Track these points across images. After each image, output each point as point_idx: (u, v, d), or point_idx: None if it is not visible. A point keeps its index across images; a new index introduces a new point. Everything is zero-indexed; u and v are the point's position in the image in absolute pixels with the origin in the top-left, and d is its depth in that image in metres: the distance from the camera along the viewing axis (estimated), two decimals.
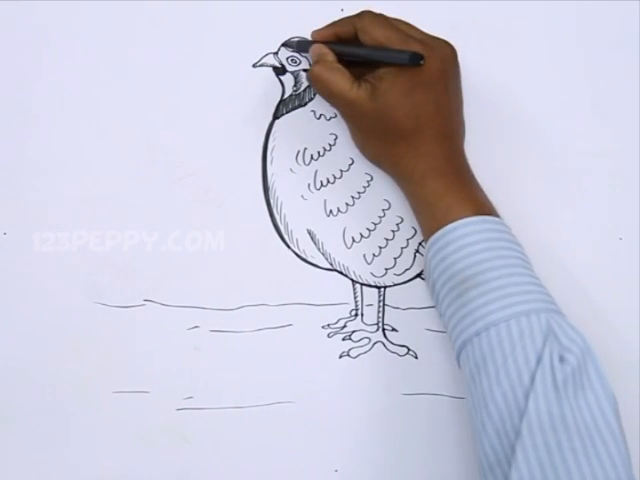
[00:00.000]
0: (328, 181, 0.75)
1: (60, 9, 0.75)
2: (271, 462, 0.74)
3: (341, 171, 0.75)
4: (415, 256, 0.75)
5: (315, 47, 0.72)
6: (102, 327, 0.74)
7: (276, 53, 0.75)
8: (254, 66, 0.75)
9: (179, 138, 0.75)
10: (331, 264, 0.75)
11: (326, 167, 0.75)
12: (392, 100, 0.68)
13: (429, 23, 0.74)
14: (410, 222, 0.75)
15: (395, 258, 0.75)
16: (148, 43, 0.75)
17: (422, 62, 0.67)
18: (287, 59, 0.75)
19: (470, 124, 0.73)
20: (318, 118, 0.75)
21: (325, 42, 0.72)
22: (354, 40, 0.71)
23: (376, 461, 0.74)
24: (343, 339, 0.75)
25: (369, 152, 0.73)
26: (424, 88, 0.68)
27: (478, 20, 0.75)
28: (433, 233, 0.67)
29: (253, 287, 0.75)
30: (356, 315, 0.75)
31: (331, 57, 0.71)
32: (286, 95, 0.75)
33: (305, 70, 0.75)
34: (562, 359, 0.61)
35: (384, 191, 0.75)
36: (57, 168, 0.75)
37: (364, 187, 0.75)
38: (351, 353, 0.75)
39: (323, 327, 0.75)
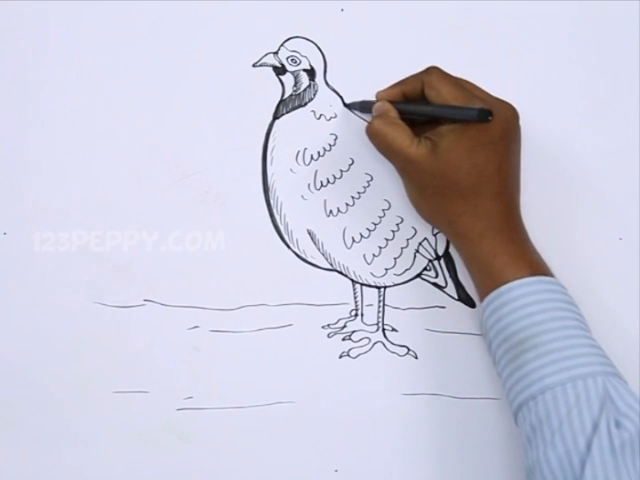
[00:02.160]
0: (328, 181, 0.75)
1: (60, 9, 0.75)
2: (271, 462, 0.74)
3: (341, 171, 0.75)
4: (415, 256, 0.75)
5: (378, 104, 0.72)
6: (102, 327, 0.74)
7: (276, 53, 0.75)
8: (254, 66, 0.75)
9: (179, 138, 0.75)
10: (331, 264, 0.75)
11: (326, 167, 0.75)
12: (454, 158, 0.67)
13: (429, 23, 0.74)
14: (410, 222, 0.75)
15: (395, 258, 0.75)
16: (148, 43, 0.75)
17: (490, 118, 0.67)
18: (287, 59, 0.75)
19: None
20: (318, 118, 0.75)
21: (390, 101, 0.72)
22: (420, 97, 0.71)
23: (376, 461, 0.74)
24: (343, 339, 0.75)
25: (424, 209, 0.72)
26: (486, 147, 0.67)
27: (478, 20, 0.75)
28: (488, 292, 0.67)
29: (253, 287, 0.75)
30: (356, 315, 0.75)
31: (393, 113, 0.71)
32: (286, 95, 0.75)
33: (305, 70, 0.75)
34: (618, 424, 0.61)
35: (384, 191, 0.75)
36: (57, 168, 0.75)
37: (364, 187, 0.75)
38: (351, 353, 0.75)
39: (323, 327, 0.75)
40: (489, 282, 0.67)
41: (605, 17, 0.76)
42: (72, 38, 0.75)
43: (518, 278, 0.66)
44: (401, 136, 0.69)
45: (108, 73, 0.75)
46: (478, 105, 0.67)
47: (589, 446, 0.60)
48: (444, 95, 0.69)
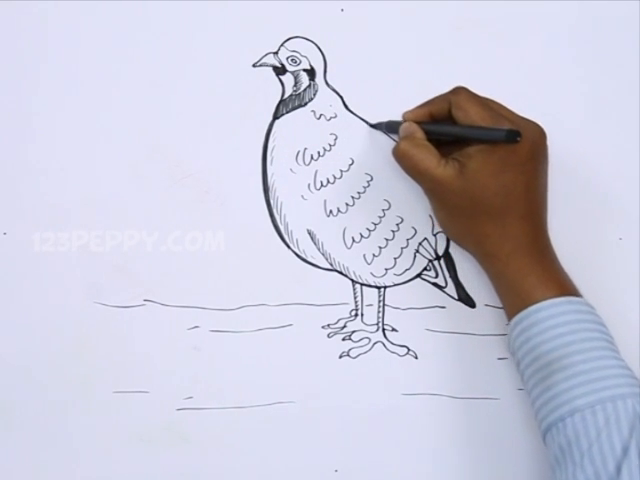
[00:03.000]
0: (328, 181, 0.75)
1: (60, 9, 0.74)
2: (271, 462, 0.74)
3: (341, 171, 0.75)
4: (415, 256, 0.75)
5: (405, 125, 0.72)
6: (102, 327, 0.74)
7: (276, 53, 0.75)
8: (254, 66, 0.75)
9: (179, 138, 0.75)
10: (331, 264, 0.75)
11: (326, 167, 0.75)
12: (482, 179, 0.67)
13: (429, 23, 0.74)
14: (410, 222, 0.75)
15: (395, 258, 0.75)
16: (148, 43, 0.75)
17: (519, 139, 0.66)
18: (287, 59, 0.75)
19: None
20: (318, 118, 0.75)
21: (417, 122, 0.72)
22: (448, 117, 0.71)
23: (376, 461, 0.75)
24: (343, 339, 0.75)
25: (452, 230, 0.72)
26: (514, 168, 0.67)
27: (478, 20, 0.75)
28: (517, 312, 0.67)
29: (253, 287, 0.75)
30: (356, 315, 0.75)
31: (420, 134, 0.70)
32: (286, 95, 0.75)
33: (305, 70, 0.75)
34: None
35: (384, 191, 0.75)
36: (57, 168, 0.74)
37: (364, 187, 0.75)
38: (351, 353, 0.75)
39: (323, 327, 0.75)
40: (518, 302, 0.67)
41: (605, 17, 0.76)
42: (72, 38, 0.75)
43: (547, 298, 0.66)
44: (428, 157, 0.69)
45: (108, 73, 0.75)
46: (506, 125, 0.67)
47: (619, 469, 0.60)
48: (472, 115, 0.69)
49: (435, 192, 0.70)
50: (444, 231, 0.73)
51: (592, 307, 0.68)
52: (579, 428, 0.63)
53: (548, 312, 0.66)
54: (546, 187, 0.71)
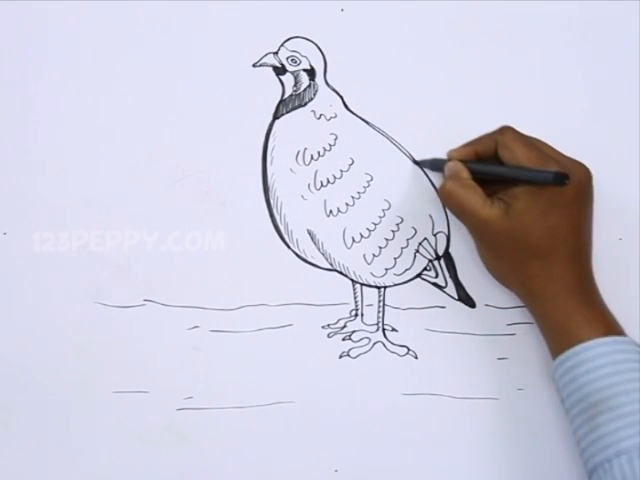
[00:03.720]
0: (328, 181, 0.75)
1: (60, 9, 0.75)
2: (271, 462, 0.74)
3: (341, 171, 0.75)
4: (415, 256, 0.75)
5: (450, 164, 0.71)
6: (102, 327, 0.74)
7: (276, 53, 0.75)
8: (254, 66, 0.75)
9: (179, 138, 0.75)
10: (331, 264, 0.75)
11: (326, 167, 0.75)
12: (528, 220, 0.67)
13: (429, 23, 0.74)
14: (410, 222, 0.75)
15: (395, 258, 0.75)
16: (148, 43, 0.75)
17: (566, 182, 0.67)
18: (287, 59, 0.75)
19: (468, 120, 0.74)
20: (318, 118, 0.75)
21: (462, 160, 0.72)
22: (493, 156, 0.71)
23: (376, 461, 0.75)
24: (343, 339, 0.75)
25: (497, 270, 0.72)
26: (561, 209, 0.68)
27: (478, 20, 0.75)
28: (562, 351, 0.67)
29: (253, 287, 0.75)
30: (356, 315, 0.75)
31: (465, 174, 0.70)
32: (286, 95, 0.75)
33: (305, 70, 0.75)
34: None
35: (384, 191, 0.75)
36: (57, 168, 0.74)
37: (364, 187, 0.75)
38: (351, 353, 0.75)
39: (323, 327, 0.75)
40: (563, 341, 0.67)
41: (605, 17, 0.76)
42: (72, 38, 0.75)
43: (593, 338, 0.66)
44: (474, 198, 0.69)
45: (108, 73, 0.75)
46: (553, 167, 0.67)
47: None
48: (518, 156, 0.69)
49: (480, 232, 0.70)
50: (488, 270, 0.73)
51: (638, 346, 0.68)
52: (626, 470, 0.63)
53: (595, 352, 0.66)
54: (591, 227, 0.71)
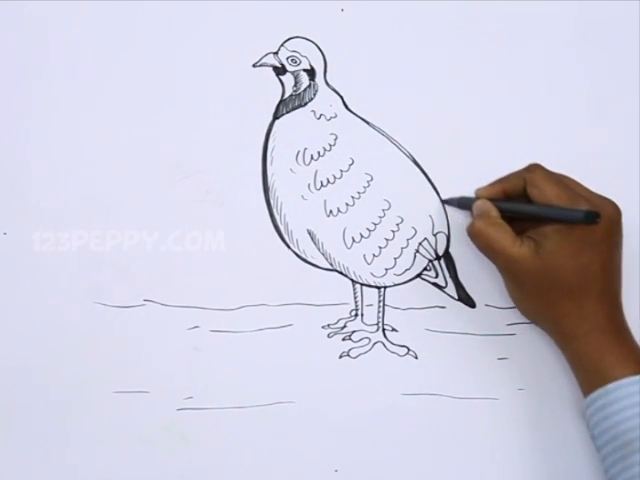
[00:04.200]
0: (328, 181, 0.75)
1: (60, 9, 0.75)
2: (271, 462, 0.74)
3: (341, 171, 0.75)
4: (415, 256, 0.75)
5: (479, 203, 0.71)
6: (102, 327, 0.74)
7: (276, 53, 0.75)
8: (254, 66, 0.75)
9: (179, 138, 0.75)
10: (331, 264, 0.75)
11: (326, 167, 0.75)
12: (559, 259, 0.67)
13: (429, 23, 0.74)
14: (410, 222, 0.75)
15: (395, 258, 0.75)
16: (148, 43, 0.75)
17: (598, 220, 0.67)
18: (287, 59, 0.75)
19: (468, 120, 0.74)
20: (318, 118, 0.75)
21: (490, 198, 0.72)
22: (521, 194, 0.71)
23: (376, 461, 0.75)
24: (343, 339, 0.75)
25: (527, 308, 0.72)
26: (592, 248, 0.68)
27: (478, 20, 0.75)
28: (594, 389, 0.67)
29: (253, 287, 0.75)
30: (356, 315, 0.75)
31: (494, 212, 0.70)
32: (286, 95, 0.75)
33: (305, 70, 0.75)
34: None
35: (384, 191, 0.75)
36: (57, 168, 0.74)
37: (364, 187, 0.75)
38: (351, 353, 0.75)
39: (323, 327, 0.75)
40: (595, 380, 0.67)
41: (605, 17, 0.76)
42: (71, 38, 0.75)
43: (625, 376, 0.66)
44: (504, 237, 0.69)
45: (108, 73, 0.75)
46: (583, 205, 0.67)
47: None
48: (548, 194, 0.69)
49: (510, 271, 0.70)
50: (518, 309, 0.73)
51: None
52: None
53: (627, 390, 0.66)
54: (621, 264, 0.71)
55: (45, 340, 0.74)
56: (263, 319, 0.74)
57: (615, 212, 0.70)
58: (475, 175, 0.74)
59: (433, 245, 0.75)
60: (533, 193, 0.70)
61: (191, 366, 0.74)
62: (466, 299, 0.75)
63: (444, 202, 0.75)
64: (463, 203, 0.74)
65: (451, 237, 0.75)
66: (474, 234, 0.71)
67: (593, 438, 0.68)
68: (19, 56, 0.75)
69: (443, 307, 0.75)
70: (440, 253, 0.75)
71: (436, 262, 0.75)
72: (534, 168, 0.71)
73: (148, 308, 0.74)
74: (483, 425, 0.75)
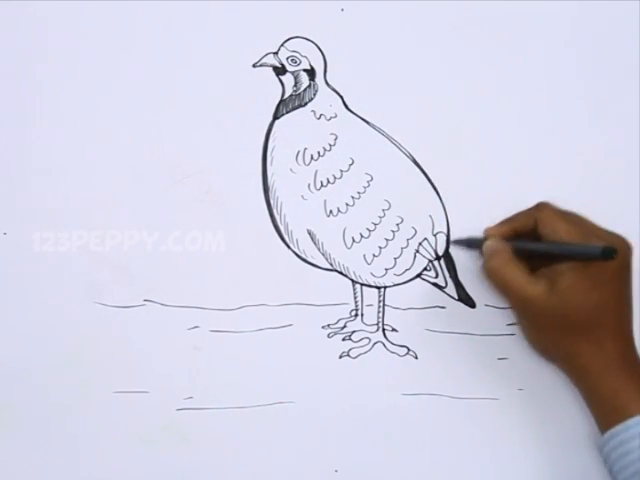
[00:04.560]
0: (328, 181, 0.75)
1: (60, 9, 0.75)
2: (271, 462, 0.74)
3: (341, 171, 0.75)
4: (415, 256, 0.75)
5: (492, 241, 0.71)
6: (102, 327, 0.74)
7: (276, 53, 0.75)
8: (254, 66, 0.75)
9: (179, 138, 0.75)
10: (331, 264, 0.75)
11: (326, 167, 0.75)
12: (574, 297, 0.67)
13: (429, 23, 0.74)
14: (410, 222, 0.75)
15: (395, 258, 0.75)
16: (148, 43, 0.75)
17: (615, 256, 0.67)
18: (287, 59, 0.75)
19: (468, 120, 0.74)
20: (318, 118, 0.75)
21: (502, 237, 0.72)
22: (531, 233, 0.71)
23: (376, 461, 0.75)
24: (343, 339, 0.75)
25: (541, 346, 0.72)
26: (606, 285, 0.68)
27: (478, 20, 0.75)
28: (611, 426, 0.67)
29: (253, 287, 0.75)
30: (356, 315, 0.75)
31: (508, 250, 0.70)
32: (286, 95, 0.75)
33: (305, 70, 0.75)
34: None
35: (384, 191, 0.75)
36: (57, 168, 0.74)
37: (364, 187, 0.75)
38: (351, 353, 0.75)
39: (323, 327, 0.75)
40: (613, 416, 0.68)
41: (605, 17, 0.76)
42: (72, 38, 0.75)
43: None
44: (518, 275, 0.69)
45: (108, 73, 0.75)
46: (595, 241, 0.68)
47: None
48: (560, 232, 0.69)
49: (525, 310, 0.70)
50: (532, 346, 0.73)
51: None
52: None
53: None
54: (632, 299, 0.71)
55: (45, 340, 0.74)
56: (263, 319, 0.74)
57: (627, 248, 0.70)
58: (475, 175, 0.74)
59: (433, 245, 0.75)
60: (544, 231, 0.70)
61: (191, 366, 0.74)
62: (466, 299, 0.75)
63: (453, 242, 0.75)
64: (472, 243, 0.74)
65: (451, 237, 0.75)
66: (490, 273, 0.71)
67: (612, 473, 0.68)
68: (19, 56, 0.75)
69: (443, 307, 0.75)
70: (440, 253, 0.75)
71: (436, 262, 0.75)
72: (543, 207, 0.71)
73: (148, 308, 0.74)
74: (483, 425, 0.75)
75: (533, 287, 0.68)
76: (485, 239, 0.72)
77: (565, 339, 0.69)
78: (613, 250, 0.67)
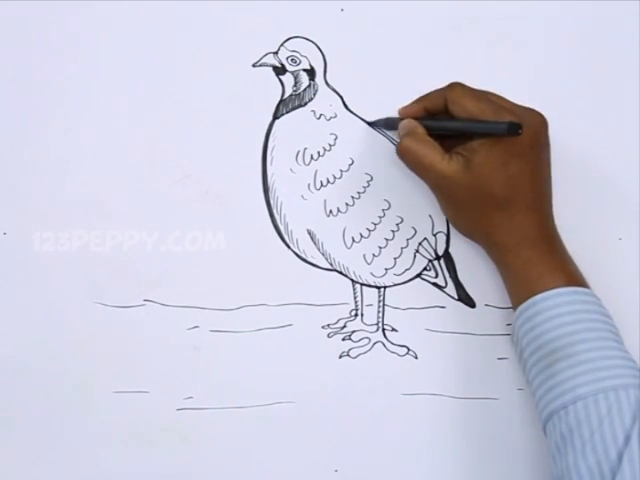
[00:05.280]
0: (328, 181, 0.75)
1: (59, 9, 0.75)
2: (271, 462, 0.74)
3: (341, 171, 0.75)
4: (415, 256, 0.75)
5: (405, 122, 0.72)
6: (102, 327, 0.74)
7: (276, 53, 0.75)
8: (254, 66, 0.75)
9: (179, 138, 0.75)
10: (331, 264, 0.75)
11: (326, 167, 0.75)
12: (487, 172, 0.68)
13: (429, 23, 0.74)
14: (410, 222, 0.75)
15: (395, 258, 0.75)
16: (148, 43, 0.75)
17: (520, 132, 0.67)
18: (287, 59, 0.75)
19: None
20: (318, 118, 0.75)
21: (414, 118, 0.72)
22: (443, 113, 0.71)
23: (376, 461, 0.75)
24: (343, 339, 0.75)
25: (460, 223, 0.72)
26: (519, 159, 0.68)
27: (478, 20, 0.75)
28: (522, 301, 0.68)
29: (253, 287, 0.75)
30: (356, 315, 0.75)
31: (421, 130, 0.70)
32: (286, 95, 0.75)
33: (305, 70, 0.75)
34: None
35: (384, 191, 0.75)
36: (57, 168, 0.75)
37: (364, 187, 0.75)
38: (351, 353, 0.75)
39: (323, 327, 0.75)
40: (524, 291, 0.68)
41: (605, 17, 0.76)
42: (72, 38, 0.75)
43: (553, 288, 0.66)
44: (432, 153, 0.69)
45: (108, 73, 0.75)
46: (506, 117, 0.67)
47: (620, 457, 0.60)
48: (470, 110, 0.69)
49: (441, 187, 0.70)
50: (453, 225, 0.73)
51: (598, 299, 0.68)
52: (581, 416, 0.63)
53: (554, 301, 0.66)
54: (550, 176, 0.71)
55: (45, 340, 0.74)
56: (263, 319, 0.74)
57: (540, 122, 0.70)
58: None
59: (433, 245, 0.75)
60: (455, 110, 0.70)
61: (191, 366, 0.74)
62: (466, 299, 0.75)
63: (369, 124, 0.75)
64: (389, 124, 0.74)
65: (451, 237, 0.75)
66: (402, 152, 0.70)
67: (521, 351, 0.68)
68: (19, 56, 0.75)
69: (443, 307, 0.75)
70: (440, 253, 0.76)
71: (436, 262, 0.75)
72: (454, 86, 0.71)
73: (148, 308, 0.74)
74: (483, 425, 0.75)
75: (447, 164, 0.68)
76: (402, 119, 0.72)
77: (482, 214, 0.69)
78: (518, 125, 0.66)
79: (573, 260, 0.70)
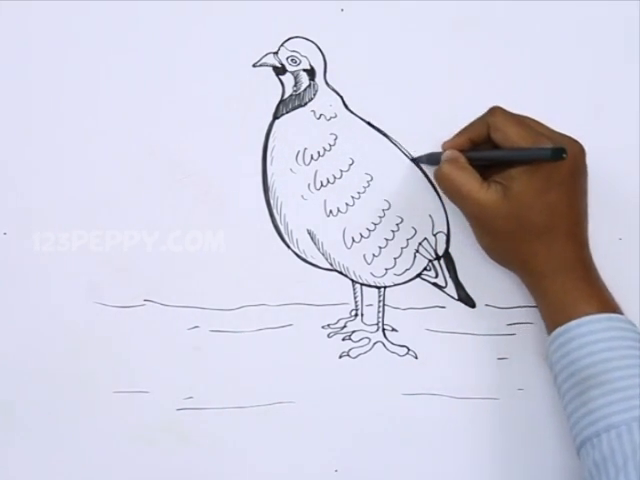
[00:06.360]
0: (328, 181, 0.75)
1: (59, 9, 0.75)
2: (271, 462, 0.74)
3: (341, 171, 0.75)
4: (415, 256, 0.75)
5: (448, 152, 0.71)
6: (102, 327, 0.74)
7: (276, 53, 0.75)
8: (254, 66, 0.75)
9: (179, 138, 0.75)
10: (331, 264, 0.75)
11: (326, 167, 0.75)
12: (527, 200, 0.67)
13: (429, 23, 0.74)
14: (410, 222, 0.75)
15: (395, 258, 0.75)
16: (148, 43, 0.75)
17: (565, 156, 0.66)
18: (287, 59, 0.75)
19: (468, 120, 0.74)
20: (318, 118, 0.75)
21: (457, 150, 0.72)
22: (486, 140, 0.71)
23: (376, 461, 0.75)
24: (343, 339, 0.75)
25: (496, 252, 0.72)
26: (558, 187, 0.68)
27: (478, 20, 0.75)
28: (557, 327, 0.68)
29: (253, 287, 0.75)
30: (356, 315, 0.75)
31: (462, 158, 0.70)
32: (286, 95, 0.75)
33: (305, 70, 0.75)
34: None
35: (384, 191, 0.75)
36: (57, 168, 0.74)
37: (364, 187, 0.75)
38: (351, 353, 0.75)
39: (323, 327, 0.75)
40: (559, 317, 0.68)
41: (605, 17, 0.76)
42: (71, 38, 0.75)
43: (588, 314, 0.66)
44: (470, 181, 0.69)
45: (108, 73, 0.75)
46: (546, 143, 0.67)
47: None
48: (511, 136, 0.68)
49: (478, 216, 0.70)
50: (487, 253, 0.73)
51: (634, 324, 0.68)
52: (614, 445, 0.62)
53: (588, 328, 0.66)
54: (586, 203, 0.71)
55: (45, 340, 0.74)
56: (263, 319, 0.74)
57: (579, 150, 0.70)
58: None
59: (433, 245, 0.75)
60: (497, 137, 0.69)
61: (191, 366, 0.74)
62: (466, 299, 0.75)
63: (412, 160, 0.74)
64: (432, 158, 0.73)
65: (451, 237, 0.75)
66: (441, 178, 0.70)
67: (555, 376, 0.68)
68: (19, 56, 0.75)
69: (443, 307, 0.75)
70: (440, 253, 0.76)
71: (436, 262, 0.75)
72: (495, 111, 0.70)
73: (148, 308, 0.74)
74: (483, 425, 0.75)
75: (486, 192, 0.68)
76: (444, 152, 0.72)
77: (520, 243, 0.69)
78: (562, 150, 0.66)
79: (607, 287, 0.70)
